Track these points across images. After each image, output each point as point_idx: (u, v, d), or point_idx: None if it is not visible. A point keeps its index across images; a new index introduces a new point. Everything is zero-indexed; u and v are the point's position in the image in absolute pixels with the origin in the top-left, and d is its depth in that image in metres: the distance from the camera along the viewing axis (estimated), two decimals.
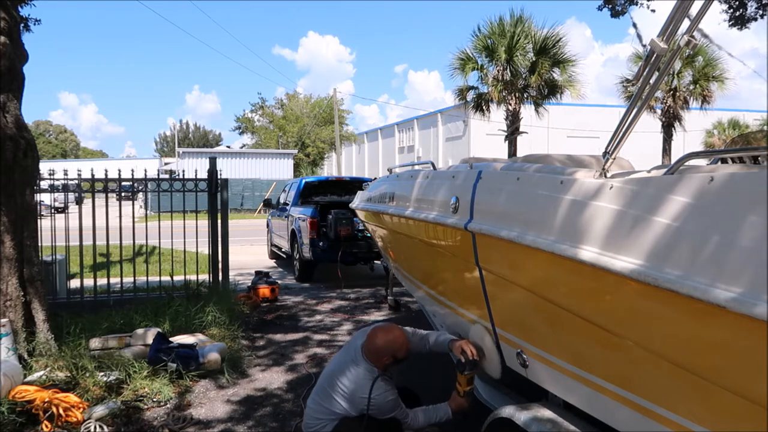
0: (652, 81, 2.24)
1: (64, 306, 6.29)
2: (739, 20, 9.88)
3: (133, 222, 7.12)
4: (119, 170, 6.77)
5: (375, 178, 6.06)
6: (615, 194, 1.99)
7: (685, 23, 2.08)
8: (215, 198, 7.25)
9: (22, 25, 5.78)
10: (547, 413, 2.51)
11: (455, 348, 3.22)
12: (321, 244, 9.03)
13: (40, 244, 5.37)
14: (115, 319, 5.84)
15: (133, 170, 6.91)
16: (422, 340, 3.41)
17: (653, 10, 10.45)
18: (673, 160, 2.78)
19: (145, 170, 7.34)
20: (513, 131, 17.40)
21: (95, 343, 5.17)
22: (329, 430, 3.05)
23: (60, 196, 7.29)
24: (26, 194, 4.99)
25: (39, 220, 5.41)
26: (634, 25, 9.44)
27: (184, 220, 6.88)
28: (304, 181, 11.08)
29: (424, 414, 3.26)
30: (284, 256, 11.37)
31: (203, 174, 7.36)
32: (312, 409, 3.18)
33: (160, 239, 6.92)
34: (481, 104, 17.58)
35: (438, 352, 3.41)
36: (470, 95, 17.73)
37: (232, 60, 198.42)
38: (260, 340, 6.07)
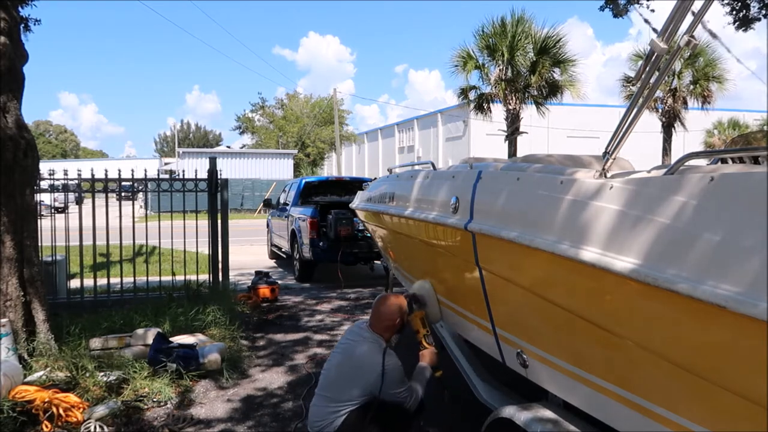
0: (652, 81, 2.24)
1: (64, 306, 6.29)
2: (743, 21, 9.86)
3: (133, 222, 7.12)
4: (119, 170, 6.77)
5: (375, 178, 6.06)
6: (615, 194, 1.99)
7: (686, 23, 2.08)
8: (215, 198, 7.25)
9: (22, 25, 5.77)
10: (547, 413, 2.51)
11: None
12: (321, 244, 9.03)
13: (40, 244, 5.37)
14: (115, 319, 5.84)
15: (133, 170, 6.91)
16: None
17: (653, 10, 10.44)
18: (673, 160, 2.78)
19: (145, 170, 7.34)
20: (513, 131, 17.39)
21: (95, 343, 5.17)
22: (339, 424, 3.04)
23: (60, 196, 7.29)
24: (26, 194, 4.99)
25: (39, 220, 5.41)
26: (647, 21, 9.37)
27: (184, 220, 6.88)
28: (304, 181, 11.07)
29: (416, 385, 3.32)
30: (284, 256, 11.37)
31: (203, 174, 7.36)
32: (318, 406, 3.18)
33: (160, 239, 6.92)
34: (482, 104, 17.57)
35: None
36: (472, 95, 17.72)
37: (232, 60, 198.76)
38: (260, 340, 6.07)
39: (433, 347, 3.57)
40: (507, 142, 17.72)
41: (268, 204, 13.40)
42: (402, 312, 3.38)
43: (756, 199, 1.50)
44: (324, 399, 3.17)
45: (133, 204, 7.95)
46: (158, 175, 23.92)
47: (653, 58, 2.15)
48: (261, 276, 8.10)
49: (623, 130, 2.25)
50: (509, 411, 2.60)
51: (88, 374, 4.46)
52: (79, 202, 6.64)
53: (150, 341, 4.97)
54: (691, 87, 19.25)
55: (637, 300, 1.84)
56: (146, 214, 20.51)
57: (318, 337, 6.23)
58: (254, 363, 5.29)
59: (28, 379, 4.38)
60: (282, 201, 11.71)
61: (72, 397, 3.95)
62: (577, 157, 3.10)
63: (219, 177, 7.23)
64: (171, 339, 5.17)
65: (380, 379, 3.04)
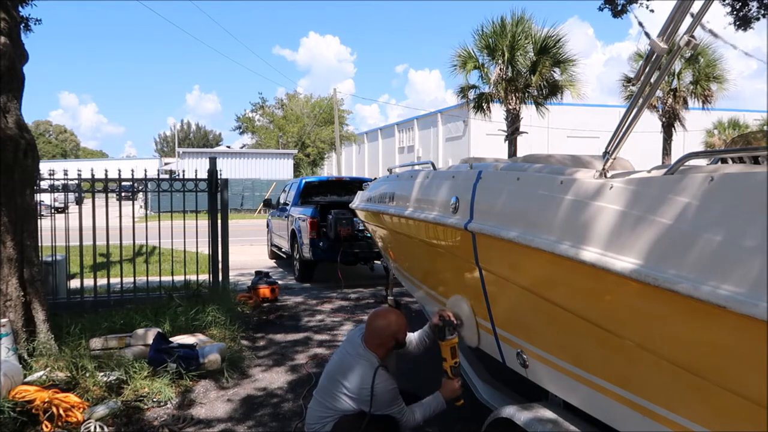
0: (652, 81, 2.24)
1: (64, 306, 6.29)
2: (743, 21, 9.84)
3: (133, 222, 7.12)
4: (119, 170, 6.76)
5: (375, 178, 6.06)
6: (615, 194, 1.99)
7: (686, 23, 2.08)
8: (215, 198, 7.24)
9: (22, 25, 5.77)
10: (547, 413, 2.51)
11: (433, 318, 3.37)
12: (321, 244, 9.03)
13: (40, 244, 5.37)
14: (115, 319, 5.84)
15: (133, 170, 6.91)
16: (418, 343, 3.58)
17: (652, 10, 10.43)
18: (673, 160, 2.78)
19: (145, 170, 7.34)
20: (513, 131, 17.38)
21: (95, 343, 5.17)
22: (330, 429, 3.05)
23: (60, 196, 7.29)
24: (26, 194, 4.99)
25: (39, 220, 5.41)
26: (641, 24, 9.39)
27: (184, 220, 6.88)
28: (304, 181, 11.07)
29: (420, 409, 3.24)
30: (284, 256, 11.37)
31: (203, 174, 7.36)
32: (314, 408, 3.20)
33: (160, 239, 6.92)
34: (482, 104, 17.57)
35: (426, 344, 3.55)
36: (471, 94, 17.71)
37: (232, 60, 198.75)
38: (261, 341, 6.07)
39: (459, 379, 3.28)
40: (507, 142, 17.71)
41: (268, 204, 13.40)
42: (397, 333, 3.21)
43: (756, 199, 1.50)
44: (319, 403, 3.18)
45: (133, 204, 7.95)
46: (158, 175, 23.92)
47: (653, 58, 2.15)
48: (261, 276, 8.11)
49: (623, 130, 2.25)
50: (509, 411, 2.60)
51: (88, 374, 4.46)
52: (79, 202, 6.64)
53: (150, 341, 4.97)
54: (692, 87, 19.24)
55: (637, 300, 1.84)
56: (146, 214, 20.51)
57: (318, 337, 6.23)
58: (254, 363, 5.28)
59: (28, 379, 4.38)
60: (282, 201, 11.71)
61: (72, 397, 3.95)
62: (577, 157, 3.09)
63: (219, 177, 7.23)
64: (171, 339, 5.17)
65: (369, 399, 2.99)
